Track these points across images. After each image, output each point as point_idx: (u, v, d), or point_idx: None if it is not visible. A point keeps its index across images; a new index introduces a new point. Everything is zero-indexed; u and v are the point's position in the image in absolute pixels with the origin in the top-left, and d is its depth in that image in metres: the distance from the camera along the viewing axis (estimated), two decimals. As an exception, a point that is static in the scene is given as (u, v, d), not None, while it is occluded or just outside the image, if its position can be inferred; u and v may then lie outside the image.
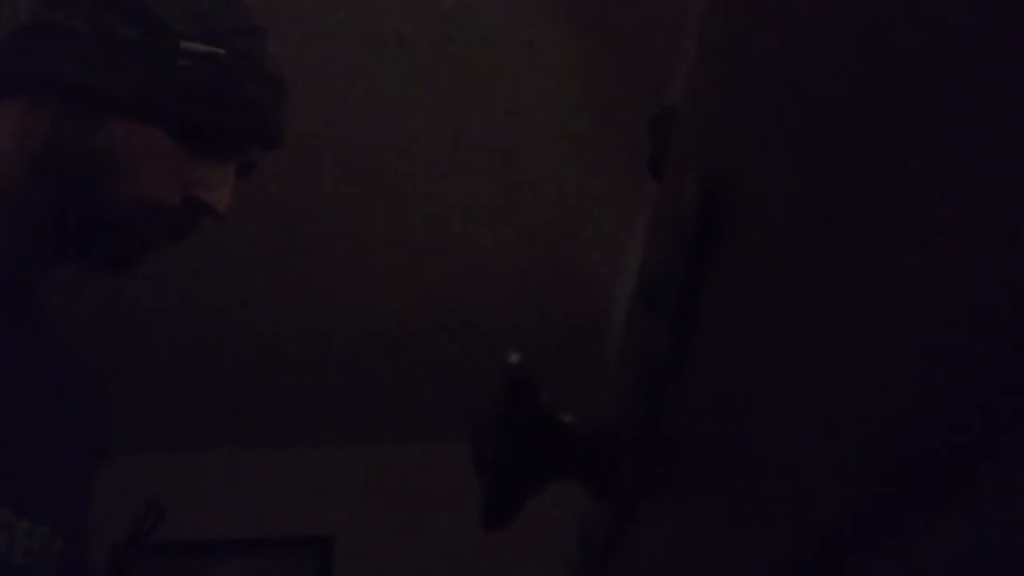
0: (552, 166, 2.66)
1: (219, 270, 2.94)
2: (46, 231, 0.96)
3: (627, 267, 2.91)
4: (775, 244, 0.25)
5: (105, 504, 1.12)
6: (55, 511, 0.93)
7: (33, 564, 0.89)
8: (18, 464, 0.90)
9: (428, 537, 3.55)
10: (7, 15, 0.99)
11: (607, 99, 2.46)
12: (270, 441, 3.68)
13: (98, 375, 1.09)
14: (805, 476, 0.20)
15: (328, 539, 3.57)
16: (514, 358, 0.42)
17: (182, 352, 3.24)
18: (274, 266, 2.96)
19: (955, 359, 0.14)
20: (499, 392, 0.42)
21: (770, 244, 0.26)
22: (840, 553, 0.19)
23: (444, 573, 3.49)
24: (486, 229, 2.86)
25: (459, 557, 3.48)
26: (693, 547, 0.31)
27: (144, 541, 3.41)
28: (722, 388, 0.29)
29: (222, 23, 0.98)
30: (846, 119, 0.21)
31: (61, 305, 1.06)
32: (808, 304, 0.22)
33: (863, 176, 0.19)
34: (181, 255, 2.89)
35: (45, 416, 0.96)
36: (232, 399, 3.47)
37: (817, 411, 0.20)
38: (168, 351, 3.23)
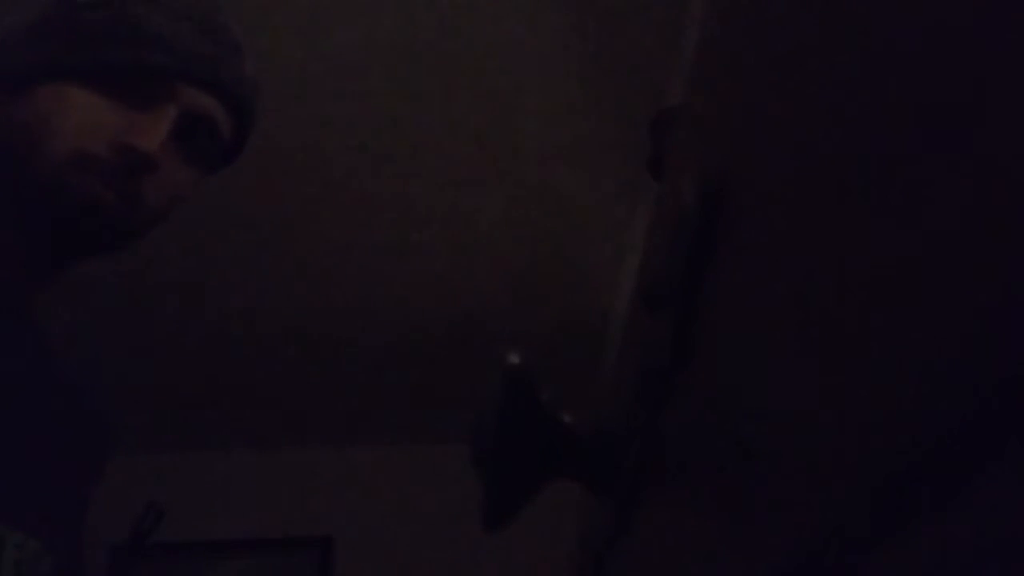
0: (552, 166, 2.66)
1: (219, 271, 2.94)
2: (11, 221, 0.96)
3: (627, 268, 2.91)
4: (775, 244, 0.25)
5: (105, 504, 1.12)
6: (48, 526, 0.92)
7: None
8: (12, 477, 0.90)
9: (428, 537, 3.55)
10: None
11: (607, 99, 2.46)
12: (270, 441, 3.68)
13: (98, 388, 1.09)
14: (805, 476, 0.20)
15: (328, 539, 3.57)
16: (514, 358, 0.42)
17: (182, 353, 3.25)
18: (274, 267, 2.96)
19: (956, 359, 0.14)
20: (499, 392, 0.41)
21: (770, 244, 0.26)
22: (840, 553, 0.19)
23: (444, 573, 3.49)
24: (486, 229, 2.86)
25: (459, 557, 3.48)
26: (693, 547, 0.31)
27: (144, 541, 3.41)
28: (722, 388, 0.29)
29: None
30: (846, 119, 0.21)
31: (60, 306, 1.06)
32: (808, 304, 0.22)
33: (863, 176, 0.19)
34: (181, 255, 2.89)
35: (43, 431, 0.95)
36: (232, 399, 3.47)
37: (817, 411, 0.20)
38: (168, 352, 3.23)
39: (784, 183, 0.25)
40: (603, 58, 2.37)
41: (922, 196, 0.16)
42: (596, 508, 0.57)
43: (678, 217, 0.35)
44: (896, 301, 0.17)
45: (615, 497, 0.43)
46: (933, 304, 0.15)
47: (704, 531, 0.29)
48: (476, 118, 2.53)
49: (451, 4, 2.26)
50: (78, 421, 1.02)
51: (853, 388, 0.18)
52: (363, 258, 2.94)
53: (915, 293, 0.16)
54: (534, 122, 2.54)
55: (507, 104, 2.50)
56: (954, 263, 0.15)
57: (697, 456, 0.31)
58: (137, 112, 0.97)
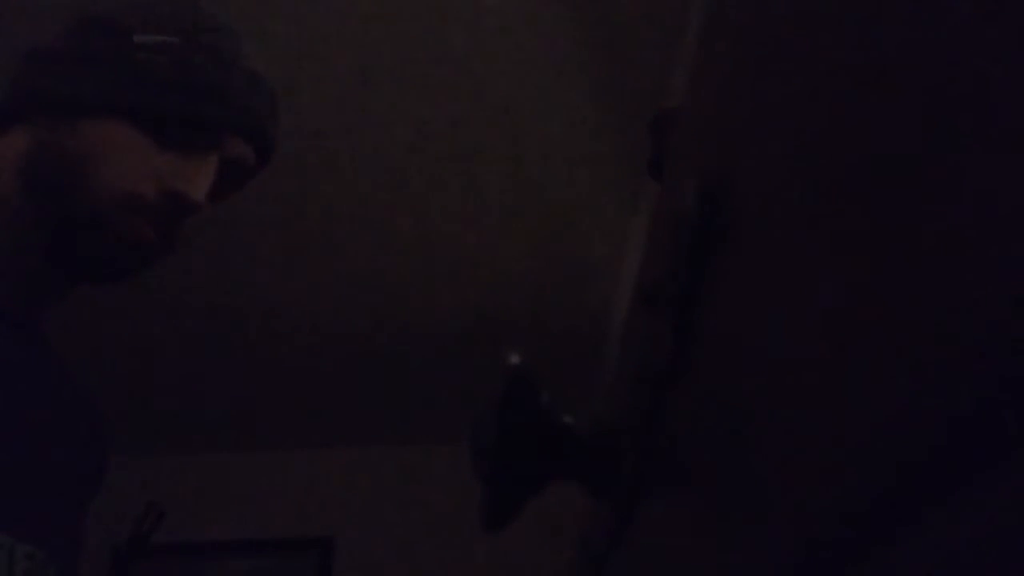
0: (552, 166, 2.66)
1: (219, 272, 2.94)
2: (39, 248, 0.97)
3: (627, 268, 2.91)
4: (775, 245, 0.25)
5: (105, 504, 1.13)
6: (51, 537, 0.93)
7: None
8: (17, 490, 0.91)
9: (428, 537, 3.55)
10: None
11: (607, 99, 2.46)
12: (270, 442, 3.68)
13: (96, 403, 1.10)
14: (805, 477, 0.20)
15: (328, 539, 3.57)
16: (514, 358, 0.42)
17: (183, 354, 3.24)
18: (274, 268, 2.96)
19: (956, 359, 0.14)
20: (499, 392, 0.41)
21: (770, 245, 0.26)
22: (840, 554, 0.19)
23: (444, 573, 3.49)
24: (486, 229, 2.86)
25: (459, 557, 3.48)
26: (693, 548, 0.31)
27: (144, 542, 3.41)
28: (722, 389, 0.29)
29: (179, 18, 1.01)
30: (846, 120, 0.21)
31: (62, 307, 1.06)
32: (808, 305, 0.22)
33: (863, 177, 0.19)
34: (181, 256, 2.89)
35: (45, 444, 0.96)
36: (233, 400, 3.47)
37: (817, 412, 0.20)
38: (169, 353, 3.23)
39: (784, 183, 0.25)
40: (603, 58, 2.37)
41: (923, 196, 0.16)
42: (596, 508, 0.57)
43: (678, 217, 0.35)
44: (896, 300, 0.17)
45: (615, 498, 0.43)
46: (934, 303, 0.15)
47: (705, 532, 0.29)
48: (476, 118, 2.53)
49: (451, 4, 2.26)
50: (77, 434, 1.03)
51: (853, 388, 0.18)
52: (363, 259, 2.94)
53: (916, 292, 0.16)
54: (534, 122, 2.54)
55: (507, 104, 2.50)
56: (956, 262, 0.15)
57: (697, 457, 0.31)
58: (183, 157, 0.98)
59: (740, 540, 0.25)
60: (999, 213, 0.13)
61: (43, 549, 0.91)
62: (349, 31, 2.33)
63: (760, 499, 0.23)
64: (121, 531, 3.37)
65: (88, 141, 0.96)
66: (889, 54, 0.19)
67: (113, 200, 0.95)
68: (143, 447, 3.51)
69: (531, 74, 2.42)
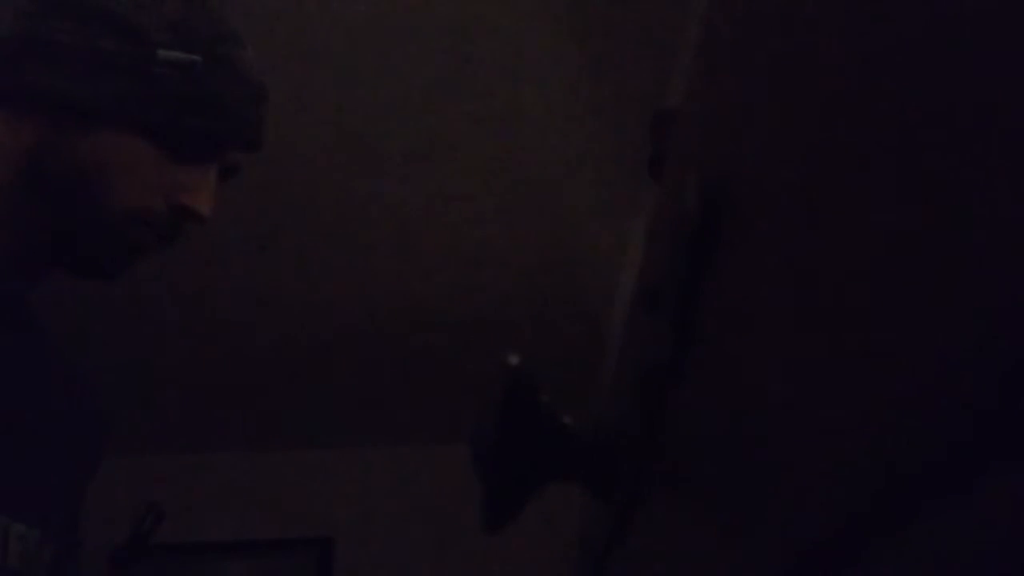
0: (553, 167, 2.66)
1: (218, 271, 2.94)
2: (33, 241, 0.97)
3: (627, 268, 2.91)
4: (775, 245, 0.25)
5: (105, 505, 1.13)
6: (46, 517, 0.94)
7: (26, 568, 0.90)
8: (11, 469, 0.91)
9: (428, 537, 3.55)
10: None
11: (607, 100, 2.46)
12: (270, 442, 3.68)
13: (95, 382, 1.10)
14: (805, 478, 0.20)
15: (328, 539, 3.57)
16: (514, 359, 0.42)
17: (183, 353, 3.24)
18: (274, 268, 2.96)
19: (956, 360, 0.14)
20: (499, 393, 0.41)
21: (770, 245, 0.26)
22: (838, 555, 0.19)
23: (444, 573, 3.49)
24: (486, 230, 2.85)
25: (459, 557, 3.48)
26: (693, 548, 0.31)
27: (144, 542, 3.40)
28: (722, 389, 0.29)
29: (198, 30, 0.99)
30: (846, 119, 0.21)
31: (61, 306, 1.06)
32: (808, 305, 0.22)
33: (863, 177, 0.19)
34: (180, 256, 2.89)
35: (40, 425, 0.96)
36: (232, 400, 3.47)
37: (817, 413, 0.20)
38: (168, 352, 3.23)
39: (784, 183, 0.25)
40: (603, 58, 2.37)
41: (923, 196, 0.16)
42: (596, 509, 0.57)
43: (678, 217, 0.35)
44: (897, 301, 0.17)
45: (615, 498, 0.43)
46: (935, 303, 0.15)
47: (703, 532, 0.29)
48: (476, 118, 2.53)
49: (451, 5, 2.26)
50: (74, 415, 1.03)
51: (854, 389, 0.18)
52: (362, 258, 2.94)
53: (916, 293, 0.16)
54: (534, 122, 2.54)
55: (507, 104, 2.50)
56: (955, 263, 0.15)
57: (697, 457, 0.31)
58: (190, 170, 0.99)
59: (739, 540, 0.25)
60: (1000, 212, 0.13)
61: (38, 529, 0.91)
62: (345, 28, 2.33)
63: (759, 499, 0.23)
64: (121, 531, 3.37)
65: (101, 152, 0.95)
66: (888, 54, 0.19)
67: (123, 213, 0.96)
68: (143, 447, 3.51)
69: (531, 73, 2.42)
